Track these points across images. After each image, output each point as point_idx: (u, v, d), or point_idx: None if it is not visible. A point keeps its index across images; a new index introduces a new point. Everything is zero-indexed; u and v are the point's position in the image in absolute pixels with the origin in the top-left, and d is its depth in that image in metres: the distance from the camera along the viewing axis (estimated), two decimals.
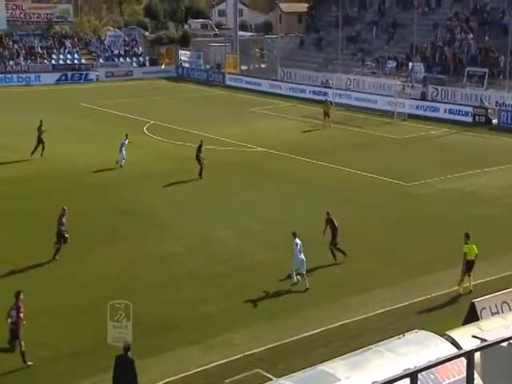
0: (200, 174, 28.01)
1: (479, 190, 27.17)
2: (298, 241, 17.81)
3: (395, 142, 36.13)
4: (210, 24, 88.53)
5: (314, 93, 50.22)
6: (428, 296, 17.61)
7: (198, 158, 28.23)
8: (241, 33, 70.84)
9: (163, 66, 64.41)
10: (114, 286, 17.77)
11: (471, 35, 49.62)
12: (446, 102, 43.95)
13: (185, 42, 72.15)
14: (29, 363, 14.14)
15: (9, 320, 13.95)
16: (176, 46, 68.29)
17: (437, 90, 45.64)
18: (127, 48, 65.33)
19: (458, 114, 42.01)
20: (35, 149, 30.68)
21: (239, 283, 18.27)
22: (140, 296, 16.83)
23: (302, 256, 17.79)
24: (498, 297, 14.90)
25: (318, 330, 15.76)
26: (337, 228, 19.40)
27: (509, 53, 43.43)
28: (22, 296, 14.13)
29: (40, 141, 30.64)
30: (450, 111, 42.47)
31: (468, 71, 46.49)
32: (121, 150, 29.64)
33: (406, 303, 17.22)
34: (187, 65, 65.42)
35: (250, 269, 19.06)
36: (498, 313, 14.29)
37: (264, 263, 19.42)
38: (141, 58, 64.71)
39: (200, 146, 28.56)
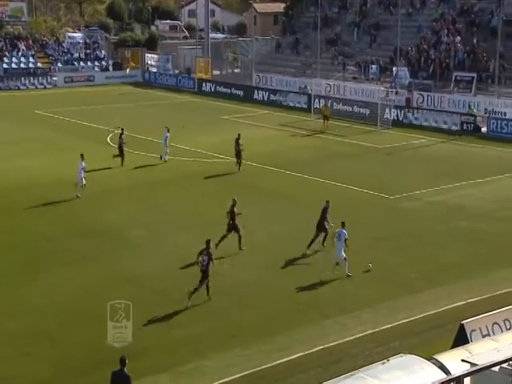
0: (238, 167, 30.87)
1: (468, 203, 27.48)
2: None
3: (378, 152, 36.45)
4: (179, 25, 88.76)
5: (291, 100, 50.53)
6: (413, 317, 17.70)
7: (237, 152, 30.63)
8: (212, 35, 71.14)
9: (128, 71, 64.31)
10: (71, 311, 17.70)
11: (458, 38, 50.25)
12: (432, 109, 44.54)
13: (152, 44, 72.21)
14: (210, 295, 17.92)
15: (199, 263, 17.88)
16: (142, 48, 68.32)
17: (422, 96, 46.21)
18: (88, 51, 65.15)
19: (445, 122, 42.59)
20: (121, 158, 31.52)
21: (213, 305, 18.21)
22: (101, 322, 16.66)
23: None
24: (488, 317, 14.90)
25: (297, 355, 15.77)
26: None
27: (498, 57, 44.06)
28: (211, 244, 18.27)
29: (120, 149, 31.50)
30: (437, 119, 43.04)
31: (455, 76, 47.13)
32: (164, 144, 32.00)
33: (390, 325, 17.27)
34: (154, 69, 65.46)
35: (224, 290, 19.00)
36: (488, 335, 14.34)
37: (239, 284, 19.40)
38: (103, 62, 64.57)
39: (237, 139, 30.79)
